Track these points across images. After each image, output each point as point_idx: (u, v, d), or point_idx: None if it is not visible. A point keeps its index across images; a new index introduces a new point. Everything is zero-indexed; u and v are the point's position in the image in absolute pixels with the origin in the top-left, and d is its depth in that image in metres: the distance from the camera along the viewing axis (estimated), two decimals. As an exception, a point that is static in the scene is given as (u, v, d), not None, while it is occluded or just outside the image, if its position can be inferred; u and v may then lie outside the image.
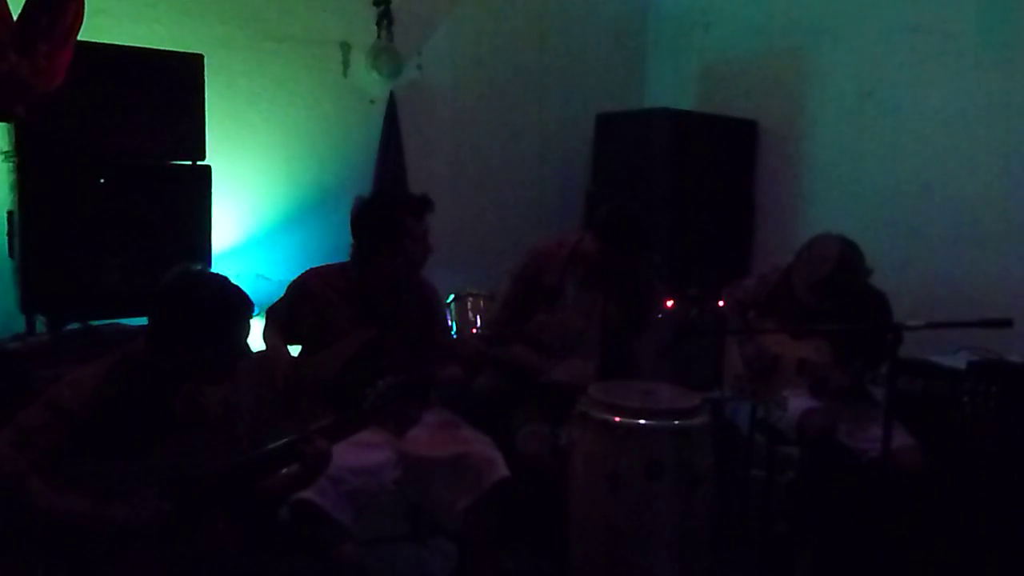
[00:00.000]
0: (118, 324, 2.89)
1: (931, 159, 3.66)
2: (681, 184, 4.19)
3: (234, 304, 1.91)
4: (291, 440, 1.96)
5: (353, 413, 2.29)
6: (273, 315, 2.70)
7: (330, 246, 3.43)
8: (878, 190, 3.83)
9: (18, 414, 1.77)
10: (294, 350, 2.75)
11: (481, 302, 3.71)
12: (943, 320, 2.48)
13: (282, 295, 2.75)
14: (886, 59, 3.83)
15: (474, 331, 3.58)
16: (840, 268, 2.77)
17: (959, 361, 3.02)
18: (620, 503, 2.36)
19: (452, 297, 3.62)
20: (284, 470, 1.99)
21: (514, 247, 3.29)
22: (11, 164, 2.82)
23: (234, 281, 1.97)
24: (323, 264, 2.78)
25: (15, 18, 1.75)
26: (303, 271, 2.76)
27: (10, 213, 2.89)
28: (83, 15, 1.87)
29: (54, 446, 1.74)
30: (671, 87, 4.80)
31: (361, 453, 2.40)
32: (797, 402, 2.90)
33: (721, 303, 3.44)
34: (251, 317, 1.97)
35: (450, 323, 3.27)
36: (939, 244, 3.59)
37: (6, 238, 2.96)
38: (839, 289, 2.78)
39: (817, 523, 2.96)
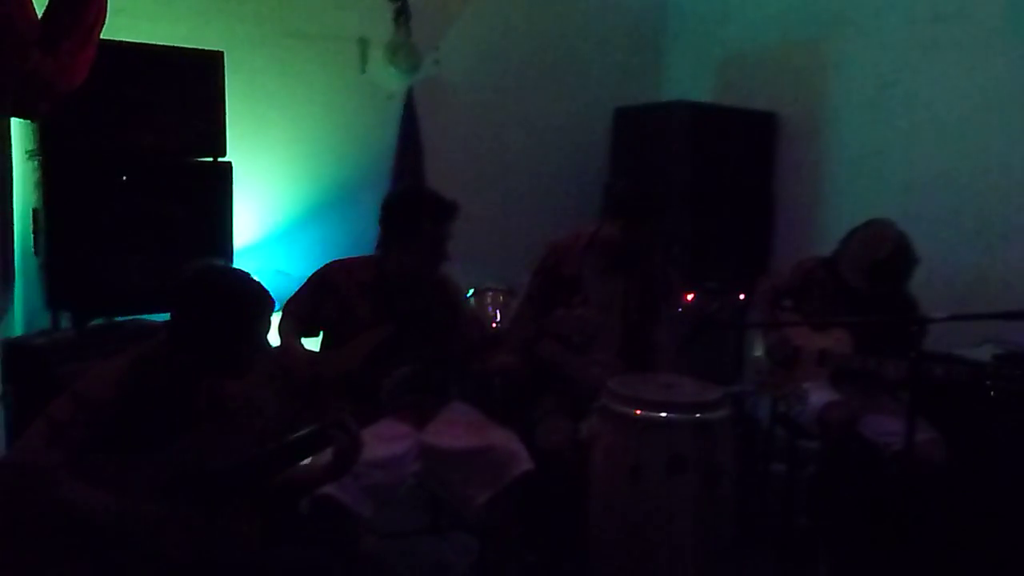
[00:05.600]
0: (141, 320, 2.92)
1: (954, 150, 3.61)
2: (700, 177, 4.17)
3: (254, 298, 1.93)
4: (321, 426, 1.96)
5: (370, 403, 2.30)
6: (291, 307, 2.70)
7: (349, 242, 3.45)
8: (900, 182, 3.79)
9: (46, 408, 1.79)
10: (312, 342, 2.76)
11: (500, 297, 3.72)
12: (968, 312, 2.46)
13: (301, 286, 2.76)
14: (908, 49, 3.79)
15: (493, 325, 3.59)
16: (899, 249, 2.81)
17: (984, 354, 2.99)
18: (641, 497, 2.36)
19: (471, 292, 3.63)
20: (314, 460, 2.00)
21: (532, 242, 3.29)
22: (35, 162, 2.85)
23: (254, 276, 1.98)
24: (346, 257, 2.80)
25: (39, 16, 1.77)
26: (325, 263, 2.77)
27: (35, 211, 2.92)
28: (106, 13, 1.88)
29: (82, 439, 1.75)
30: (689, 79, 4.77)
31: (381, 446, 2.41)
32: (818, 395, 2.89)
33: (742, 296, 3.44)
34: (271, 311, 1.98)
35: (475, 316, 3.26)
36: (963, 236, 3.55)
37: (32, 235, 3.00)
38: (895, 271, 2.82)
39: (838, 518, 2.94)
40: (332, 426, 1.96)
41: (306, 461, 2.02)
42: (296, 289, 2.77)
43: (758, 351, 3.18)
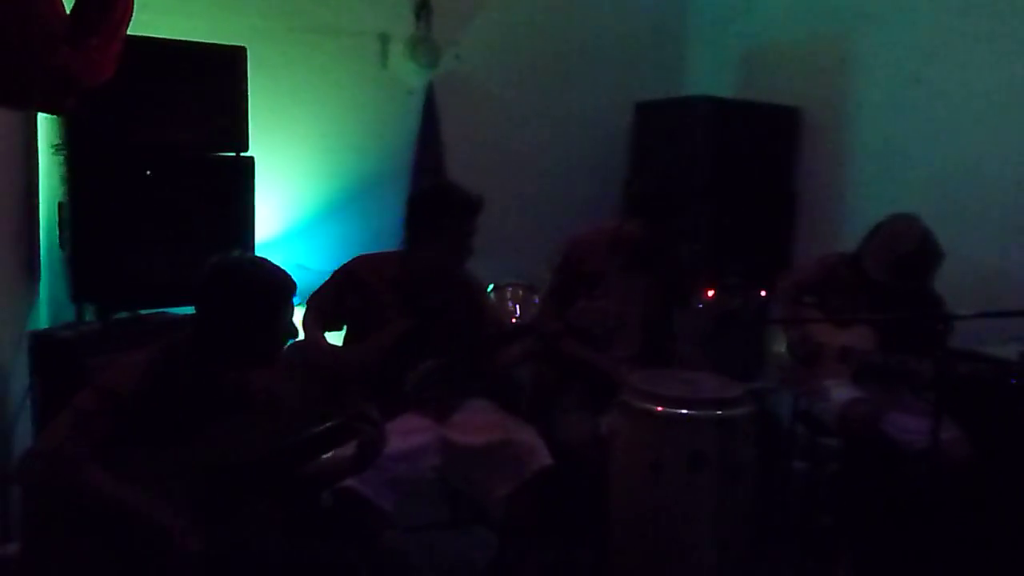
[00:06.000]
0: (166, 313, 2.94)
1: (981, 144, 3.56)
2: (721, 172, 4.14)
3: (279, 286, 1.94)
4: (346, 419, 1.97)
5: (393, 396, 2.30)
6: (315, 301, 2.71)
7: (370, 236, 3.46)
8: (925, 177, 3.74)
9: (72, 400, 1.81)
10: (335, 336, 2.78)
11: (520, 292, 3.71)
12: (994, 309, 2.43)
13: (326, 280, 2.77)
14: (934, 43, 3.74)
15: (513, 321, 3.59)
16: (923, 245, 2.78)
17: (1010, 351, 2.95)
18: (662, 493, 2.35)
19: (491, 287, 3.63)
20: (337, 452, 2.01)
21: (553, 237, 3.29)
22: (61, 157, 2.88)
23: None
24: (373, 252, 2.81)
25: (67, 12, 1.78)
26: (351, 257, 2.78)
27: (60, 205, 2.95)
28: (132, 9, 1.89)
29: (107, 431, 1.77)
30: (711, 74, 4.73)
31: (403, 439, 2.42)
32: (840, 392, 2.87)
33: (763, 292, 3.41)
34: (294, 300, 1.99)
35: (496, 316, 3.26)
36: (988, 232, 3.50)
37: (57, 229, 3.03)
38: (921, 267, 2.79)
39: (861, 516, 2.92)
40: (357, 418, 1.97)
41: (330, 454, 2.03)
42: (318, 283, 2.79)
43: (780, 347, 3.16)
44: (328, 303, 2.71)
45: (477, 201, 2.65)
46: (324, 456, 2.02)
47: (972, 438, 2.68)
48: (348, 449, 2.03)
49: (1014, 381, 2.60)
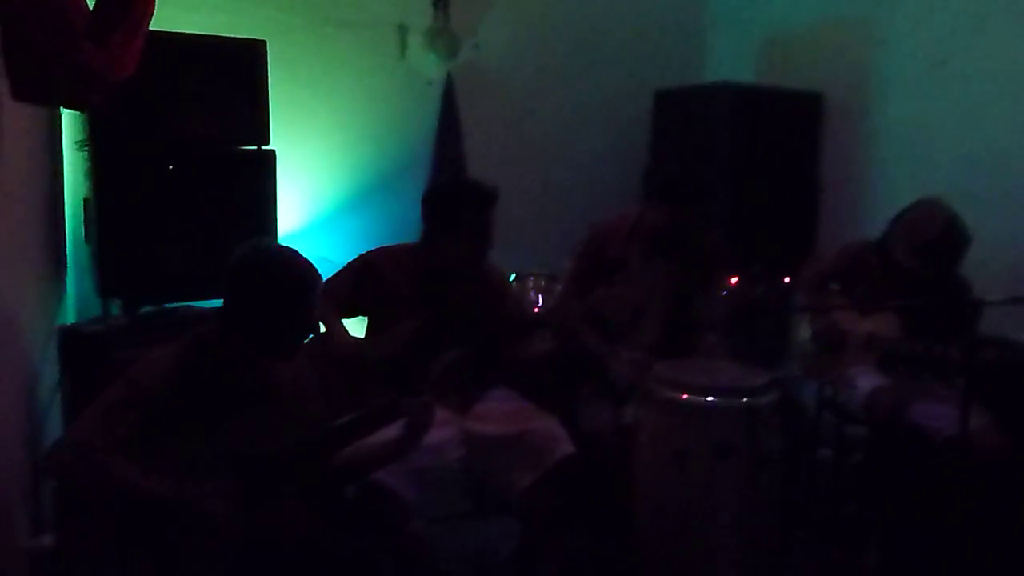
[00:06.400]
0: (193, 307, 2.97)
1: (1006, 128, 3.51)
2: (743, 160, 4.11)
3: (305, 275, 1.95)
4: (382, 404, 1.98)
5: (415, 388, 2.31)
6: (331, 290, 2.67)
7: (391, 228, 3.46)
8: (950, 162, 3.69)
9: (101, 393, 1.83)
10: (351, 324, 2.78)
11: (542, 281, 3.71)
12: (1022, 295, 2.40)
13: (339, 270, 2.77)
14: (958, 25, 3.68)
15: (536, 310, 3.59)
16: (950, 229, 2.75)
17: (1040, 338, 2.91)
18: (687, 482, 2.34)
19: (513, 277, 3.63)
20: (372, 439, 2.02)
21: (574, 226, 3.28)
22: (85, 153, 2.91)
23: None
24: (392, 244, 2.81)
25: (91, 9, 1.80)
26: (371, 248, 2.78)
27: (86, 201, 2.99)
28: (154, 5, 1.91)
29: (137, 424, 1.79)
30: (732, 60, 4.69)
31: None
32: (866, 380, 2.84)
33: (787, 279, 3.39)
34: (319, 287, 2.00)
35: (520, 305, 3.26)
36: (1016, 216, 3.45)
37: (83, 225, 3.06)
38: (948, 251, 2.76)
39: (887, 504, 2.90)
40: (401, 398, 1.98)
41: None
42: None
43: (804, 335, 3.13)
44: (343, 290, 2.70)
45: (491, 193, 2.63)
46: (365, 439, 2.02)
47: (1002, 425, 2.64)
48: (381, 436, 2.04)
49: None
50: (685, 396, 2.38)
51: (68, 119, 3.05)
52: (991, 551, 2.67)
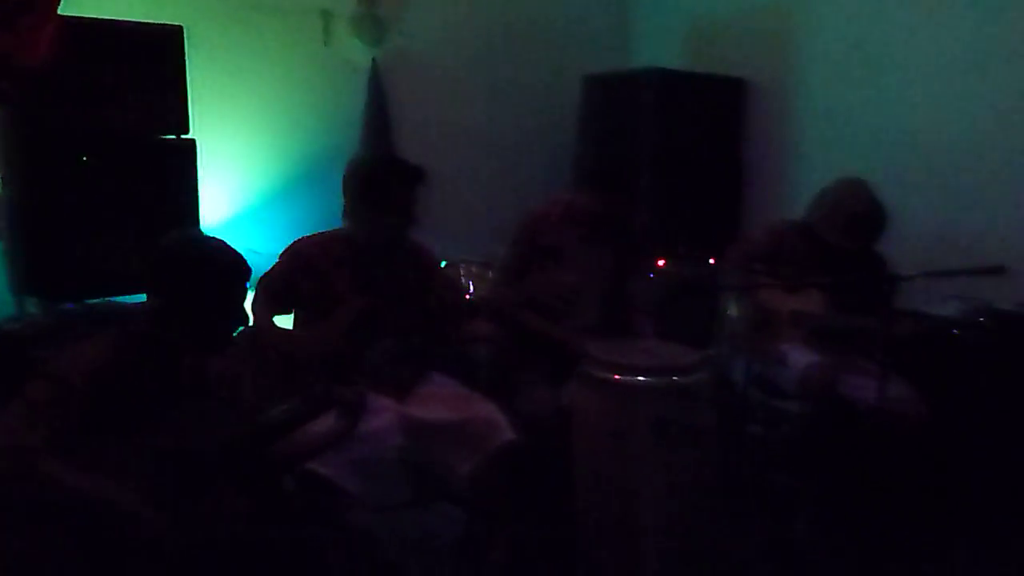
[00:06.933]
0: (115, 302, 2.87)
1: (923, 111, 3.66)
2: (669, 144, 4.18)
3: (234, 264, 1.91)
4: (313, 394, 1.96)
5: (352, 377, 2.28)
6: (264, 285, 2.66)
7: (320, 217, 3.38)
8: (867, 143, 3.83)
9: (23, 391, 1.75)
10: (287, 319, 2.73)
11: (473, 268, 3.71)
12: (936, 270, 2.51)
13: (274, 264, 2.72)
14: (876, 10, 3.81)
15: (467, 297, 3.58)
16: (874, 203, 2.86)
17: (951, 310, 3.06)
18: (624, 460, 2.38)
19: (444, 264, 3.61)
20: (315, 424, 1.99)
21: (504, 213, 3.29)
22: (-6, 145, 2.78)
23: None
24: (315, 232, 2.76)
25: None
26: (295, 239, 2.74)
27: (-5, 194, 2.85)
28: (64, -14, 1.83)
29: (63, 421, 1.72)
30: (658, 46, 4.76)
31: (364, 420, 2.40)
32: (798, 357, 2.93)
33: (713, 260, 3.47)
34: (248, 277, 1.96)
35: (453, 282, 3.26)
36: (931, 195, 3.60)
37: (-8, 220, 2.92)
38: (872, 225, 2.87)
39: (817, 474, 3.00)
40: (334, 387, 1.96)
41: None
42: (269, 266, 2.74)
43: (732, 314, 3.20)
44: (278, 286, 2.66)
45: (416, 168, 2.63)
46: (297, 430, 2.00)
47: (924, 395, 2.76)
48: (316, 425, 2.02)
49: (955, 331, 2.70)
50: (619, 376, 2.41)
51: (-27, 109, 2.90)
52: (916, 516, 2.80)
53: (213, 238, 1.98)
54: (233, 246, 1.97)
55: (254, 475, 1.99)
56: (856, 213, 2.86)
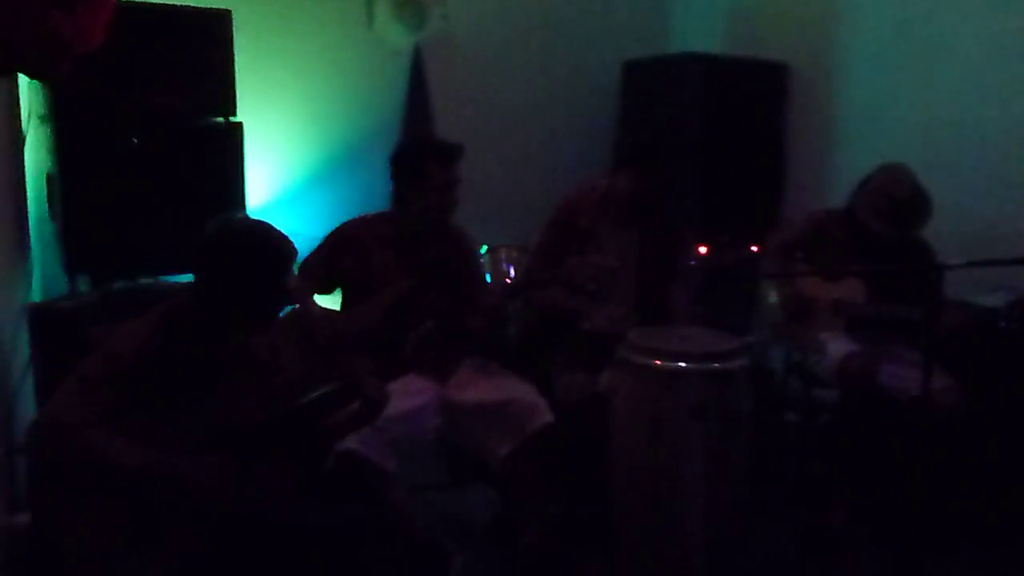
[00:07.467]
0: (164, 281, 2.94)
1: (970, 97, 3.57)
2: (710, 130, 4.14)
3: (279, 247, 1.95)
4: (348, 382, 1.99)
5: (394, 358, 2.31)
6: (307, 268, 2.71)
7: (361, 200, 3.44)
8: (912, 130, 3.75)
9: (77, 367, 1.81)
10: (330, 300, 2.78)
11: (514, 253, 3.73)
12: (982, 259, 2.46)
13: (318, 245, 2.77)
14: (920, -5, 3.74)
15: (508, 281, 3.61)
16: (917, 190, 2.82)
17: (996, 300, 3.00)
18: (662, 447, 2.39)
19: (485, 248, 3.63)
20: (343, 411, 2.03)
21: (544, 197, 3.29)
22: (48, 128, 2.84)
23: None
24: (364, 214, 2.81)
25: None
26: (339, 224, 2.78)
27: (49, 176, 2.92)
28: (119, -28, 1.86)
29: (114, 397, 1.77)
30: (699, 31, 4.70)
31: (403, 400, 2.44)
32: (836, 346, 2.91)
33: (755, 248, 3.44)
34: (294, 260, 2.00)
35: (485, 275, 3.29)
36: (976, 184, 3.53)
37: (46, 200, 3.00)
38: (915, 212, 2.82)
39: (855, 464, 2.98)
40: (359, 383, 1.99)
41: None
42: (310, 249, 2.78)
43: (772, 302, 3.19)
44: (321, 267, 2.71)
45: (454, 147, 2.69)
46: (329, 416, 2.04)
47: (964, 386, 2.73)
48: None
49: (1003, 325, 2.65)
50: (658, 362, 2.42)
51: (28, 92, 2.97)
52: (953, 507, 2.77)
53: (259, 221, 2.02)
54: (278, 229, 2.00)
55: (291, 454, 2.02)
56: (898, 199, 2.82)
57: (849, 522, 2.87)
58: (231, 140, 3.09)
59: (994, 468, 2.89)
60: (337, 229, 2.76)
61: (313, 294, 2.69)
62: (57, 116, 2.78)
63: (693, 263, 3.28)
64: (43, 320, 2.64)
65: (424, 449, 2.67)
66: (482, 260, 3.47)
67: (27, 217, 3.07)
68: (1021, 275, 2.74)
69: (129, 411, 1.80)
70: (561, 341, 2.94)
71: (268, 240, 1.95)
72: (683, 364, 2.39)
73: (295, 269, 2.08)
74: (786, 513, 2.96)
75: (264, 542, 1.91)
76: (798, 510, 2.98)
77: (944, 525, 2.69)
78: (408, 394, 2.51)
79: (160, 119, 2.94)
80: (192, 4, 3.04)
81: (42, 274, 3.17)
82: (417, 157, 2.68)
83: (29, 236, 3.08)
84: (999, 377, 2.92)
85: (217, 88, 3.03)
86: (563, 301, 2.90)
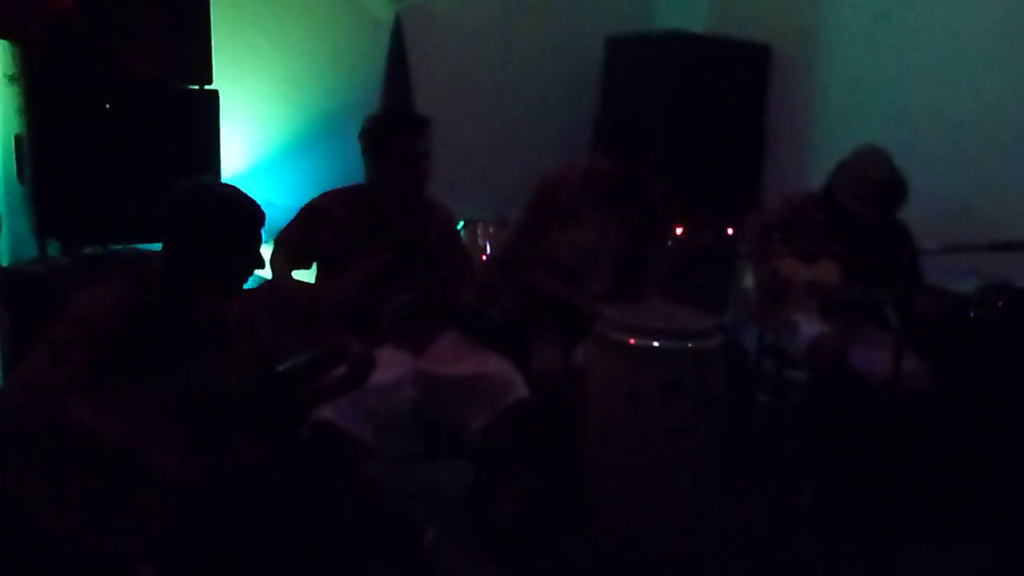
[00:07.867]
0: (136, 248, 2.90)
1: (950, 83, 3.60)
2: (691, 109, 4.14)
3: (249, 209, 1.92)
4: (333, 346, 1.98)
5: (369, 330, 2.30)
6: (283, 240, 2.69)
7: (337, 171, 3.40)
8: (892, 114, 3.78)
9: (46, 331, 1.78)
10: (306, 274, 2.76)
11: (491, 228, 3.72)
12: (956, 244, 2.49)
13: (293, 217, 2.74)
14: (905, -22, 3.74)
15: (484, 257, 3.60)
16: (894, 172, 2.84)
17: (968, 286, 3.04)
18: (637, 423, 2.40)
19: (462, 224, 3.62)
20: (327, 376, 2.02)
21: (523, 173, 3.27)
22: (17, 88, 2.78)
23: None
24: (339, 186, 2.78)
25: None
26: (319, 193, 2.75)
27: (17, 137, 2.86)
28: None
29: (85, 361, 1.74)
30: (682, 9, 4.68)
31: (379, 372, 2.41)
32: (808, 327, 2.93)
33: (730, 229, 3.46)
34: (263, 224, 1.97)
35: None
36: (953, 169, 3.56)
37: (15, 163, 2.93)
38: (892, 194, 2.85)
39: (825, 443, 3.03)
40: (341, 343, 1.98)
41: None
42: (286, 219, 2.75)
43: (747, 283, 3.21)
44: (296, 239, 2.69)
45: (421, 119, 2.68)
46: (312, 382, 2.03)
47: (934, 369, 2.77)
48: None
49: (972, 314, 2.69)
50: (634, 340, 2.43)
51: (-4, 51, 2.91)
52: (918, 486, 2.82)
53: (228, 184, 2.00)
54: (248, 194, 1.98)
55: (269, 422, 2.01)
56: (876, 181, 2.84)
57: (817, 500, 2.92)
58: (207, 107, 3.05)
59: (959, 449, 2.95)
60: (311, 203, 2.72)
61: (289, 267, 2.66)
62: (26, 77, 2.71)
63: (670, 243, 3.30)
64: (13, 283, 2.61)
65: (399, 421, 2.67)
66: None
67: (-6, 179, 3.01)
68: (992, 260, 2.78)
69: (100, 376, 1.77)
70: (537, 316, 2.94)
71: (237, 202, 1.92)
72: (656, 342, 2.39)
73: (266, 238, 2.06)
74: (756, 490, 3.00)
75: (237, 511, 1.90)
76: (768, 487, 3.02)
77: (910, 504, 2.75)
78: (384, 366, 2.49)
79: (134, 84, 2.88)
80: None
81: (11, 237, 3.11)
82: (383, 132, 2.66)
83: (-3, 199, 3.02)
84: (968, 362, 2.97)
85: (193, 54, 2.98)
86: (546, 286, 2.90)
